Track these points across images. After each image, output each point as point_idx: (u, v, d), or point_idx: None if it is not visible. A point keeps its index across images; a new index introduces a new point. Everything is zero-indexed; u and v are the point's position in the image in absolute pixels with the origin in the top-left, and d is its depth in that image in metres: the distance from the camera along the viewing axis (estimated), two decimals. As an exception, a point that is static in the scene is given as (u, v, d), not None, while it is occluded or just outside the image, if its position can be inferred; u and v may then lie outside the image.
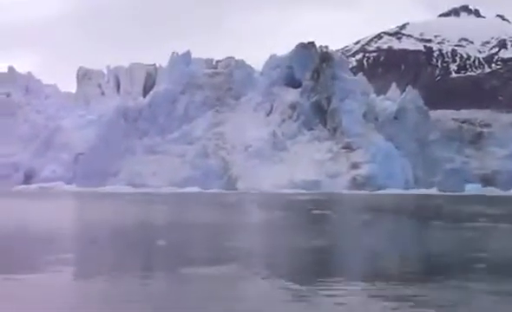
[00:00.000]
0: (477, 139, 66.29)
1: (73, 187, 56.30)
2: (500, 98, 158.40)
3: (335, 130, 61.85)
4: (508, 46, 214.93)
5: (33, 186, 57.28)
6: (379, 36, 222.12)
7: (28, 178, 62.20)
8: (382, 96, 69.99)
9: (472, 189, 56.84)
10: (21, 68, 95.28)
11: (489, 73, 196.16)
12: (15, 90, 72.73)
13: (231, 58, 74.00)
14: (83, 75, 79.91)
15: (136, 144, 63.94)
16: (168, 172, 60.36)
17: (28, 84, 75.23)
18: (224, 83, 69.61)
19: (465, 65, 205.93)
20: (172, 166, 61.13)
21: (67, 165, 62.52)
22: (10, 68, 75.55)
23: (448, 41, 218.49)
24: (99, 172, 60.58)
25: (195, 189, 54.74)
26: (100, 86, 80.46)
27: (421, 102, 66.33)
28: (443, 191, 54.62)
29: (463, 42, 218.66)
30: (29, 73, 77.33)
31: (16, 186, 57.90)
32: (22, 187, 56.98)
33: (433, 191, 55.02)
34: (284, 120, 64.56)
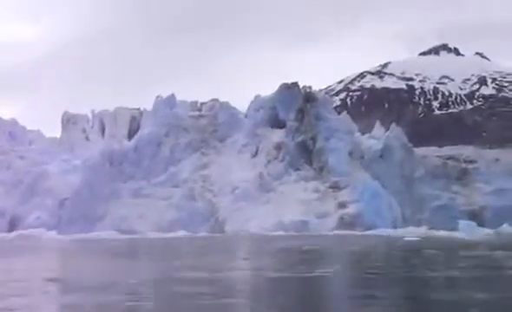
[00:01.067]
0: (463, 176, 66.40)
1: (54, 234, 55.11)
2: (483, 134, 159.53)
3: (321, 169, 61.81)
4: (489, 82, 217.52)
5: (12, 235, 56.06)
6: (362, 75, 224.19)
7: (12, 225, 61.45)
8: (367, 134, 70.22)
9: (466, 227, 56.33)
10: (5, 114, 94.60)
11: (471, 109, 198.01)
12: (-1, 136, 72.34)
13: (215, 100, 74.15)
14: (68, 120, 79.76)
15: (122, 187, 63.52)
16: (154, 215, 59.91)
17: (12, 130, 74.90)
18: (209, 125, 69.63)
19: (447, 102, 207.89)
20: (158, 209, 60.69)
21: (52, 210, 61.88)
22: (-6, 115, 75.15)
23: (429, 79, 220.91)
24: (84, 216, 60.00)
25: (183, 233, 54.19)
26: (84, 130, 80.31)
27: (405, 140, 66.54)
28: (433, 229, 54.25)
29: (445, 80, 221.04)
30: (13, 119, 77.06)
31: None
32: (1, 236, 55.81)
33: (423, 229, 54.47)
34: (269, 161, 64.49)
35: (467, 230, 53.92)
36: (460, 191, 64.29)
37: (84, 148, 73.91)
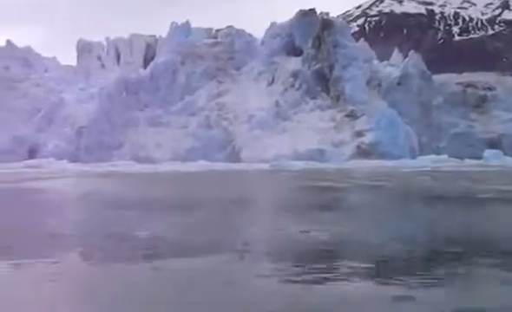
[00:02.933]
0: (481, 103, 65.68)
1: (78, 165, 54.66)
2: (504, 60, 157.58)
3: (338, 98, 61.31)
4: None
5: (32, 162, 56.03)
6: (381, 0, 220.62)
7: (32, 153, 61.90)
8: (385, 62, 69.43)
9: (492, 156, 55.69)
10: (20, 42, 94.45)
11: (492, 35, 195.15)
12: (13, 64, 72.20)
13: (231, 27, 73.31)
14: (83, 48, 79.46)
15: (138, 116, 63.56)
16: (171, 143, 60.07)
17: (27, 57, 74.65)
18: (224, 53, 68.99)
19: (468, 27, 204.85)
20: (175, 138, 60.81)
21: (69, 139, 62.17)
22: (9, 42, 74.86)
23: (450, 3, 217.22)
24: (102, 145, 60.38)
25: (202, 162, 53.70)
26: (100, 58, 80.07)
27: (424, 67, 65.70)
28: (455, 157, 53.71)
29: (466, 4, 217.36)
30: (28, 46, 76.66)
31: (18, 164, 56.89)
32: (24, 164, 55.86)
33: (444, 158, 53.78)
34: (286, 89, 64.03)
35: (494, 159, 53.41)
36: (478, 119, 63.69)
37: (100, 76, 73.81)
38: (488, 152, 57.06)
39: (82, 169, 49.04)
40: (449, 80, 73.44)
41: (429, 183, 28.47)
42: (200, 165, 51.76)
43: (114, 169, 48.56)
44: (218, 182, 31.91)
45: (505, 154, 56.65)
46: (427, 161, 50.60)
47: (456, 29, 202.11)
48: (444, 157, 54.12)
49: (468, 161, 51.32)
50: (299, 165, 49.26)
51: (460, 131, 61.59)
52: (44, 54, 79.00)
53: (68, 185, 31.12)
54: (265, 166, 48.65)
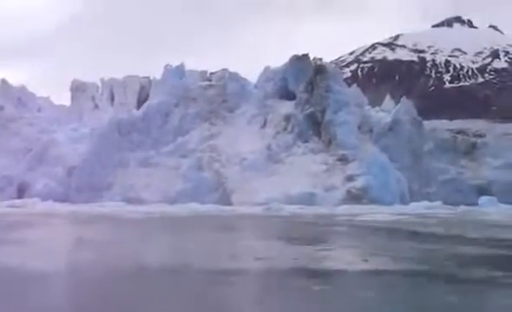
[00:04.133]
0: (472, 150, 66.22)
1: (65, 206, 54.15)
2: (493, 108, 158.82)
3: (330, 142, 61.62)
4: (501, 56, 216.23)
5: (16, 202, 55.38)
6: (373, 47, 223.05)
7: (21, 192, 61.74)
8: (376, 108, 69.97)
9: (487, 202, 55.53)
10: (14, 81, 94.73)
11: (482, 83, 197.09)
12: (7, 103, 72.42)
13: (225, 70, 73.94)
14: (77, 88, 79.83)
15: (130, 156, 63.58)
16: (162, 184, 59.98)
17: (21, 96, 74.90)
18: (218, 96, 69.40)
19: (459, 75, 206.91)
20: (166, 179, 60.75)
21: (60, 178, 62.08)
22: (3, 81, 75.16)
23: (441, 51, 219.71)
24: (92, 185, 60.28)
25: (195, 205, 53.15)
26: (94, 98, 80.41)
27: (415, 113, 66.30)
28: (449, 204, 53.45)
29: (457, 53, 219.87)
30: (23, 85, 77.01)
31: (6, 201, 56.62)
32: (9, 203, 55.34)
33: (437, 204, 53.39)
34: (278, 133, 64.34)
35: (489, 206, 53.30)
36: (468, 166, 64.14)
37: (93, 116, 74.07)
38: (483, 199, 57.14)
39: (68, 209, 48.53)
40: (440, 126, 74.05)
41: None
42: (191, 207, 51.16)
43: (101, 210, 48.00)
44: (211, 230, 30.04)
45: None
46: (420, 207, 50.33)
47: (446, 77, 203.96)
48: (438, 203, 53.96)
49: (462, 207, 51.00)
50: (292, 208, 49.13)
51: (450, 177, 62.02)
52: (38, 93, 79.50)
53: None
54: (257, 210, 48.34)
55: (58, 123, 72.17)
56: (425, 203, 53.91)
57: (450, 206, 52.18)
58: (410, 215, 40.96)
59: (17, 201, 56.59)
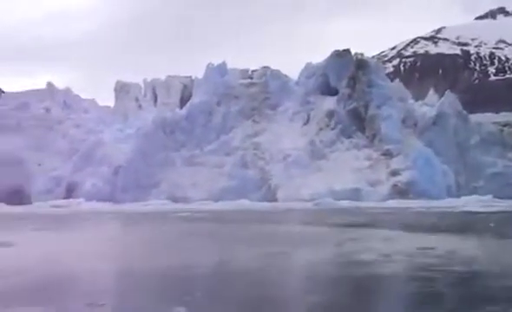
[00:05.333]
0: (519, 143, 65.10)
1: (108, 205, 55.18)
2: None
3: (373, 137, 61.31)
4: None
5: (62, 203, 56.46)
6: (415, 41, 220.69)
7: (69, 192, 62.74)
8: (420, 102, 69.37)
9: None
10: (59, 84, 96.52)
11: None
12: (54, 105, 73.75)
13: (266, 68, 74.03)
14: (121, 89, 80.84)
15: (174, 156, 64.12)
16: (207, 183, 60.39)
17: (66, 99, 76.17)
18: (260, 93, 69.57)
19: (504, 67, 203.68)
20: (210, 177, 61.15)
21: (106, 178, 62.89)
22: (49, 84, 76.55)
23: (485, 43, 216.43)
24: (139, 184, 60.94)
25: (247, 202, 53.62)
26: (137, 99, 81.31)
27: (460, 106, 65.48)
28: (497, 197, 52.12)
29: (501, 45, 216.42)
30: (68, 88, 78.37)
31: (49, 201, 57.75)
32: (53, 203, 56.45)
33: (488, 198, 51.86)
34: (321, 129, 64.24)
35: None
36: (516, 159, 63.06)
37: (137, 117, 74.89)
38: None
39: (113, 209, 49.34)
40: (486, 119, 73.03)
41: None
42: (241, 204, 51.86)
43: (146, 209, 48.66)
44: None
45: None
46: (473, 201, 49.13)
47: (491, 69, 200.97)
48: (488, 197, 52.82)
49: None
50: (342, 203, 49.65)
51: (497, 170, 60.99)
52: (83, 95, 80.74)
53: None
54: (307, 205, 49.22)
55: (103, 124, 73.25)
56: (474, 197, 52.98)
57: (501, 200, 50.85)
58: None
59: (61, 201, 57.60)
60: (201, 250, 17.42)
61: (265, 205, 50.83)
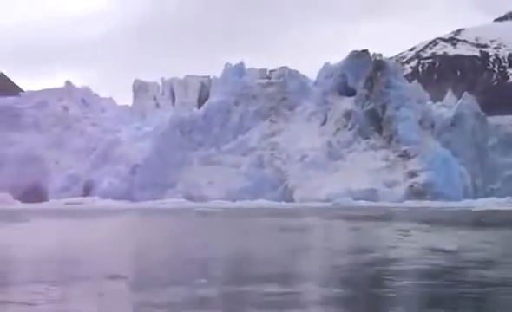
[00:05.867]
0: (537, 145, 64.55)
1: (123, 203, 55.58)
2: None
3: (391, 138, 61.13)
4: None
5: (74, 200, 56.87)
6: (434, 43, 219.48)
7: (87, 190, 63.07)
8: (438, 103, 69.05)
9: None
10: (78, 82, 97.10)
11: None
12: (72, 104, 74.11)
13: (284, 68, 73.97)
14: (139, 88, 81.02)
15: (192, 155, 64.28)
16: (224, 182, 60.49)
17: (84, 97, 76.52)
18: (278, 93, 69.52)
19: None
20: (227, 177, 61.25)
21: (123, 177, 63.15)
22: (67, 83, 76.98)
23: (504, 45, 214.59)
24: (156, 183, 61.13)
25: (265, 202, 53.78)
26: (155, 98, 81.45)
27: (478, 108, 65.14)
28: None
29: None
30: (86, 87, 78.78)
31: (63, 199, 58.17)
32: (68, 200, 56.90)
33: (506, 200, 51.32)
34: (338, 129, 64.13)
35: None
36: (534, 161, 62.53)
37: (155, 116, 75.01)
38: None
39: (128, 206, 49.67)
40: (504, 121, 72.42)
41: None
42: (258, 203, 52.16)
43: (163, 207, 48.91)
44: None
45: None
46: (492, 203, 48.42)
47: (510, 71, 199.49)
48: (508, 199, 51.98)
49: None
50: (361, 203, 49.76)
51: (515, 173, 60.56)
52: (101, 94, 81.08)
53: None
54: (326, 205, 49.40)
55: (121, 122, 73.49)
56: (493, 199, 52.35)
57: None
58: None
59: (76, 199, 57.96)
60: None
61: (284, 205, 51.01)
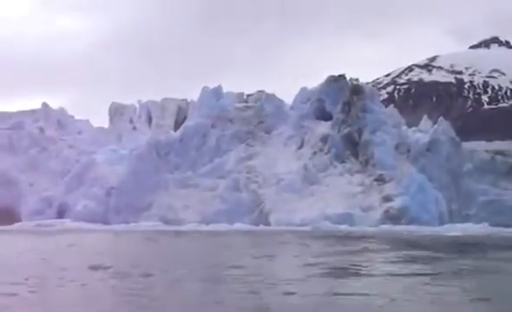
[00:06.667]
0: (511, 171, 65.14)
1: (96, 226, 55.33)
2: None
3: (367, 162, 61.39)
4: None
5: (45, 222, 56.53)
6: (410, 69, 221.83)
7: (61, 213, 62.57)
8: (413, 128, 69.52)
9: None
10: (54, 104, 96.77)
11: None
12: (48, 125, 73.70)
13: (261, 92, 74.20)
14: (115, 110, 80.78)
15: (168, 178, 64.06)
16: (200, 205, 60.29)
17: (60, 119, 76.14)
18: (255, 117, 69.67)
19: (497, 96, 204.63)
20: (203, 200, 61.07)
21: (99, 199, 62.72)
22: (44, 104, 76.56)
23: (479, 72, 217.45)
24: (131, 206, 60.78)
25: (242, 225, 53.89)
26: (132, 120, 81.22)
27: (453, 134, 65.58)
28: (494, 226, 51.72)
29: (495, 74, 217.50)
30: (62, 108, 78.38)
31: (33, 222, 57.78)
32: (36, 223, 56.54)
33: (482, 226, 51.67)
34: (315, 153, 64.30)
35: None
36: (508, 187, 63.10)
37: (131, 138, 74.73)
38: None
39: (100, 228, 49.51)
40: (479, 147, 73.06)
41: None
42: (234, 227, 52.26)
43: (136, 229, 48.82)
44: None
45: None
46: (467, 228, 48.74)
47: (485, 98, 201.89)
48: (484, 225, 52.39)
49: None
50: (340, 227, 50.08)
51: (490, 198, 60.97)
52: (77, 115, 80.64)
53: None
54: (306, 228, 49.58)
55: (97, 144, 73.08)
56: (470, 225, 52.61)
57: (499, 228, 50.26)
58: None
59: (47, 221, 57.41)
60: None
61: (260, 228, 51.00)
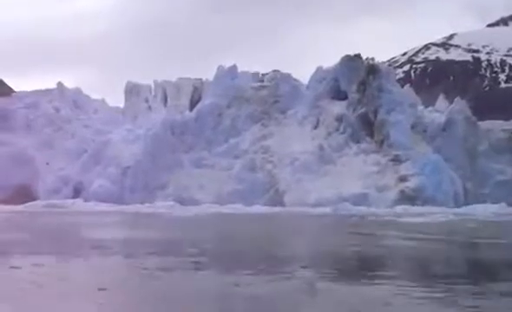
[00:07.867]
0: (528, 150, 64.61)
1: (107, 206, 55.02)
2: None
3: (382, 142, 61.12)
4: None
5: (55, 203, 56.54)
6: (426, 47, 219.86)
7: (77, 193, 62.87)
8: (430, 108, 69.12)
9: None
10: (69, 84, 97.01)
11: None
12: (63, 105, 73.97)
13: (277, 71, 74.00)
14: (131, 90, 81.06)
15: (183, 157, 64.12)
16: (215, 186, 60.29)
17: (76, 99, 76.39)
18: (270, 97, 69.47)
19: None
20: (218, 180, 61.06)
21: (114, 179, 62.92)
22: (59, 84, 76.81)
23: (496, 51, 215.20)
24: (146, 186, 60.94)
25: (258, 207, 53.59)
26: (147, 100, 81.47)
27: (469, 113, 65.18)
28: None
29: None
30: (78, 88, 78.69)
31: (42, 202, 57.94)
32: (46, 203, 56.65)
33: (502, 206, 50.67)
34: (330, 133, 64.10)
35: None
36: (525, 166, 62.60)
37: (147, 118, 74.98)
38: None
39: (112, 209, 49.54)
40: (495, 126, 72.52)
41: None
42: (258, 209, 52.09)
43: (150, 211, 48.79)
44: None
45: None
46: (481, 209, 48.28)
47: (502, 77, 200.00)
48: (502, 205, 51.80)
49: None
50: (362, 210, 49.41)
51: (506, 178, 60.60)
52: (93, 95, 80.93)
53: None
54: (322, 210, 48.91)
55: (113, 124, 73.31)
56: (488, 205, 51.94)
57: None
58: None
59: (55, 201, 57.51)
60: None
61: (277, 210, 50.76)
